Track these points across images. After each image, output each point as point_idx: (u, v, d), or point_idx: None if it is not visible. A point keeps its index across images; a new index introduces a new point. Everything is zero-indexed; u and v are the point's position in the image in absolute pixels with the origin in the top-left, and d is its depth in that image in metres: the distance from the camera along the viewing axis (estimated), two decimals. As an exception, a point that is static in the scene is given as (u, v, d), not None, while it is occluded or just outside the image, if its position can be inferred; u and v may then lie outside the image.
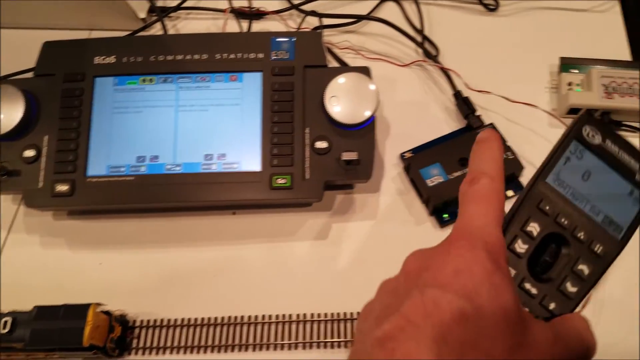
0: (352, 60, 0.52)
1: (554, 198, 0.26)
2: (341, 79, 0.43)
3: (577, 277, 0.25)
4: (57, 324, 0.38)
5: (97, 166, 0.44)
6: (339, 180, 0.44)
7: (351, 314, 0.41)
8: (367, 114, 0.43)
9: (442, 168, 0.44)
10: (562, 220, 0.25)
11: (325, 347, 0.40)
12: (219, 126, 0.44)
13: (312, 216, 0.46)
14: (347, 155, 0.42)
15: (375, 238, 0.45)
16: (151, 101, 0.45)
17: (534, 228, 0.25)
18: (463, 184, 0.24)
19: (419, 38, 0.52)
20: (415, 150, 0.46)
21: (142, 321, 0.42)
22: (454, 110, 0.49)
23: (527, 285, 0.25)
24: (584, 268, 0.25)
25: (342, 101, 0.43)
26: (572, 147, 0.26)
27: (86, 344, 0.37)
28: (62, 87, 0.45)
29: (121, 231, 0.46)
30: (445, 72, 0.49)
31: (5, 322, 0.38)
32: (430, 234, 0.45)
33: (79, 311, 0.38)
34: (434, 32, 0.53)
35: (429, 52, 0.50)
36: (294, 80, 0.44)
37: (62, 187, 0.43)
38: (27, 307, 0.39)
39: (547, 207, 0.25)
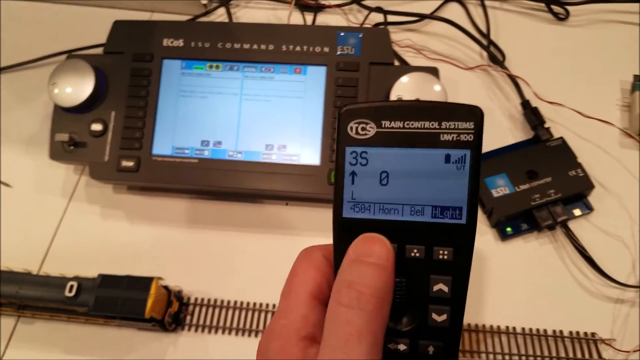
0: (412, 59, 0.51)
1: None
2: (408, 78, 0.43)
3: (438, 301, 0.20)
4: (120, 293, 0.39)
5: (163, 146, 0.45)
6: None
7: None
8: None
9: (509, 179, 0.43)
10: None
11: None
12: (281, 118, 0.45)
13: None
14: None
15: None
16: (217, 87, 0.46)
17: None
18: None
19: (484, 42, 0.51)
20: (480, 157, 0.46)
21: (195, 299, 0.43)
22: (520, 119, 0.47)
23: (391, 345, 0.20)
24: (441, 287, 0.20)
25: (405, 101, 0.43)
26: (349, 155, 0.20)
27: (147, 316, 0.38)
28: (131, 66, 0.46)
29: (176, 210, 0.48)
30: (512, 79, 0.48)
31: (72, 286, 0.40)
32: (490, 246, 0.43)
33: (142, 283, 0.40)
34: (500, 37, 0.52)
35: (496, 56, 0.49)
36: (358, 76, 0.44)
37: (128, 163, 0.45)
38: (85, 272, 0.41)
39: None
